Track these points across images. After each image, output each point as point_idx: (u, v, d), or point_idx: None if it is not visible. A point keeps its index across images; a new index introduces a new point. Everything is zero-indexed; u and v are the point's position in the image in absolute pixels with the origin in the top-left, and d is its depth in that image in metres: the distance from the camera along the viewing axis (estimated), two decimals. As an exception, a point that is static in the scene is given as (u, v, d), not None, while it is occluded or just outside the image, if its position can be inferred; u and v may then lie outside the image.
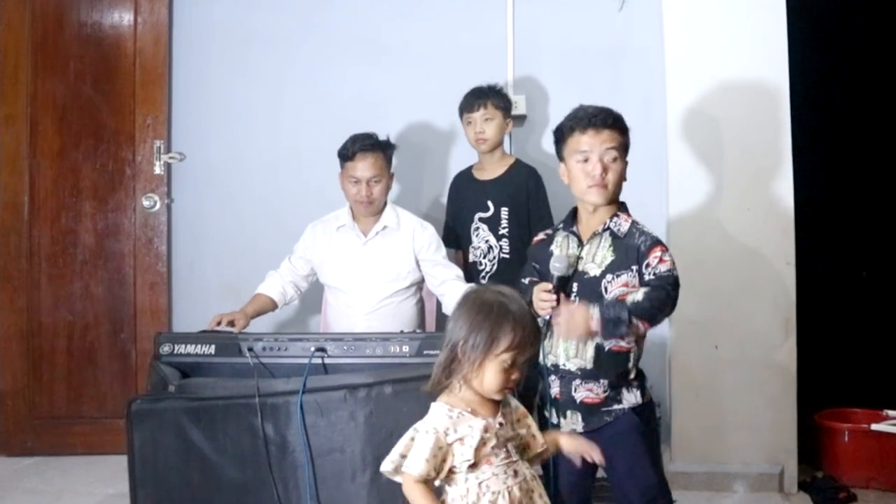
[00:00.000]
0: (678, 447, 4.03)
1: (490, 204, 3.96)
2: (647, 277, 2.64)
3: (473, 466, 2.13)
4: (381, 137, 3.76)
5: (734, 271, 3.97)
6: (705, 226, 4.00)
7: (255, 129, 4.58)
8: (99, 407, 4.50)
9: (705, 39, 4.03)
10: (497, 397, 2.19)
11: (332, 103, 4.48)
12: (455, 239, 4.07)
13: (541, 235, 2.94)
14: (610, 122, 2.72)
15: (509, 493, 2.15)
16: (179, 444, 2.94)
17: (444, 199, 4.25)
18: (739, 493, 3.90)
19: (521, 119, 4.29)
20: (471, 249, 4.00)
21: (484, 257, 3.96)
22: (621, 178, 2.75)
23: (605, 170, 2.70)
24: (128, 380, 4.48)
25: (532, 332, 2.18)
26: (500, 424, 2.19)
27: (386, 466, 2.18)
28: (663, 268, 2.64)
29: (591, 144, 2.72)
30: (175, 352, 3.11)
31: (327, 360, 3.00)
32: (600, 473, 2.86)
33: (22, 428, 4.50)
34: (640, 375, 2.77)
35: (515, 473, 2.19)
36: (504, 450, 2.18)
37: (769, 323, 3.96)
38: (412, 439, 2.15)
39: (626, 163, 2.76)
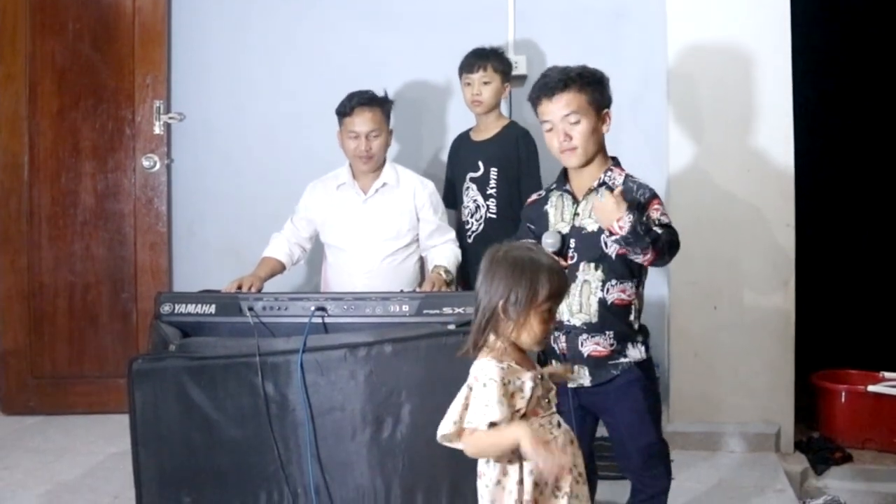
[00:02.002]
0: (676, 407, 4.06)
1: (480, 164, 3.95)
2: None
3: (523, 418, 2.12)
4: (379, 93, 3.76)
5: (734, 233, 3.98)
6: (705, 187, 3.99)
7: (255, 89, 4.56)
8: (100, 366, 4.52)
9: (707, 0, 4.01)
10: (537, 348, 2.20)
11: (332, 63, 4.46)
12: (452, 199, 4.08)
13: (534, 196, 2.96)
14: (562, 85, 2.71)
15: (556, 441, 2.15)
16: (180, 402, 2.95)
17: (443, 158, 4.25)
18: (736, 453, 3.93)
19: (521, 79, 4.26)
20: (462, 209, 4.01)
21: (472, 217, 3.96)
22: (591, 135, 2.73)
23: (567, 136, 2.72)
24: (129, 339, 4.50)
25: (564, 279, 2.18)
26: (542, 376, 2.19)
27: (445, 429, 2.10)
28: (665, 219, 2.68)
29: (549, 113, 2.74)
30: (176, 311, 3.10)
31: (327, 320, 3.00)
32: (600, 432, 2.90)
33: (24, 387, 4.52)
34: (644, 332, 2.79)
35: (559, 424, 2.19)
36: (546, 401, 2.19)
37: (768, 285, 3.97)
38: (469, 397, 2.11)
39: (599, 117, 2.74)
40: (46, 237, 4.52)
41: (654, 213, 2.68)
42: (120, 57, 4.48)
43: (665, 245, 2.63)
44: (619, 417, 2.73)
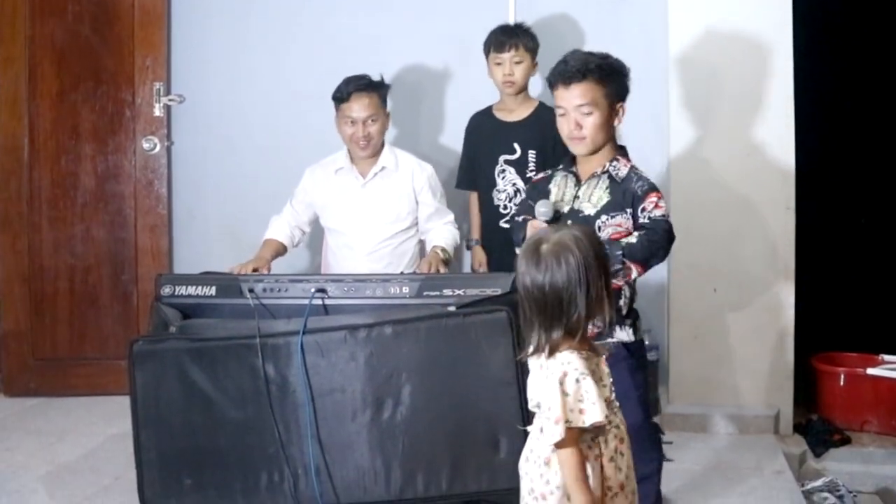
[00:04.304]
0: (675, 389, 4.07)
1: (517, 146, 3.87)
2: (641, 221, 2.70)
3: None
4: (376, 78, 3.75)
5: (734, 216, 3.98)
6: (706, 170, 3.99)
7: (255, 71, 4.55)
8: (101, 348, 4.53)
9: (708, -17, 4.01)
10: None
11: (332, 45, 4.44)
12: (472, 181, 4.01)
13: (540, 175, 3.00)
14: (580, 77, 2.74)
15: (622, 424, 2.12)
16: (181, 384, 2.95)
17: (441, 141, 4.22)
18: (735, 435, 3.94)
19: (520, 64, 4.25)
20: (495, 192, 3.91)
21: (510, 200, 3.88)
22: (601, 127, 2.77)
23: (578, 125, 2.75)
24: (129, 321, 4.50)
25: None
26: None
27: (556, 434, 1.93)
28: (658, 213, 2.71)
29: (564, 100, 2.78)
30: (176, 293, 3.10)
31: (328, 301, 3.00)
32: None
33: (25, 369, 4.53)
34: (634, 315, 2.81)
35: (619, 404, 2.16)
36: (610, 381, 2.13)
37: (768, 267, 3.97)
38: (561, 392, 1.95)
39: (611, 109, 2.77)
40: (46, 219, 4.52)
41: (649, 206, 2.71)
42: (120, 39, 4.46)
43: (647, 249, 2.65)
44: None
